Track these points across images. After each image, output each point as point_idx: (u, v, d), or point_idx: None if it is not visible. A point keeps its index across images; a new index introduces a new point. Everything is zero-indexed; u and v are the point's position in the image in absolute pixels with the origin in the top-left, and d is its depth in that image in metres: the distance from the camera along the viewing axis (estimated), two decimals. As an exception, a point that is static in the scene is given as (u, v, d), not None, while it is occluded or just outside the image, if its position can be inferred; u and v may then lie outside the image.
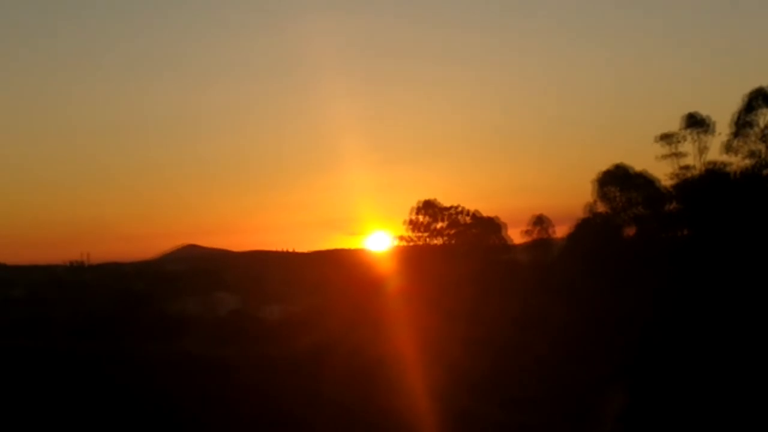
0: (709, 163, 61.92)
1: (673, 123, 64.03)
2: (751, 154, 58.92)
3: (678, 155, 62.88)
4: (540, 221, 69.74)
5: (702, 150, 62.31)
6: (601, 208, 64.06)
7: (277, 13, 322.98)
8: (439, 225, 69.81)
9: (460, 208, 70.04)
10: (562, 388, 36.92)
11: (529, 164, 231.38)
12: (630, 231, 64.16)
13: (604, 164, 65.10)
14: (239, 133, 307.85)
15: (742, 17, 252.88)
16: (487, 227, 69.85)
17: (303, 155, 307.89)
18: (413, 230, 69.63)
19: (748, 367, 36.32)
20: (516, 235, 71.08)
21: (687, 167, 62.65)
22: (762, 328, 41.47)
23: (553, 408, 34.21)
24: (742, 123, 59.02)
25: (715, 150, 61.61)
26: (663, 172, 63.18)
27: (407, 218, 69.67)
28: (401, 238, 69.97)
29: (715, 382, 34.76)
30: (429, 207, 70.07)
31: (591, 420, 33.07)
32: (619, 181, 63.22)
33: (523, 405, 34.74)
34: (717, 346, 39.73)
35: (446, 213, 69.89)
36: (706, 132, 62.32)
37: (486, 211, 70.74)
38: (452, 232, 69.95)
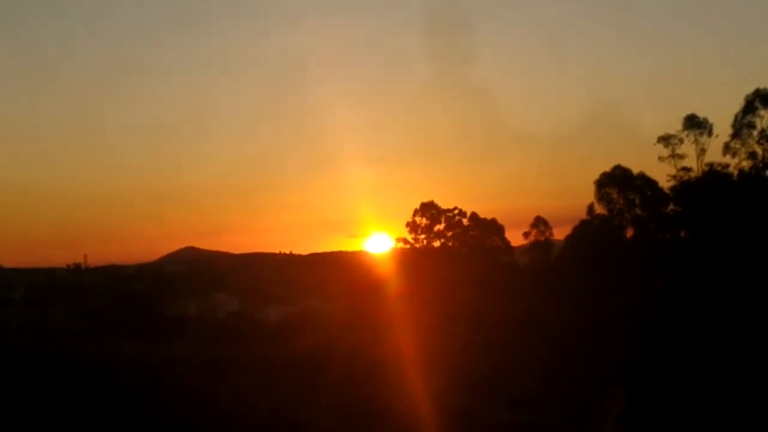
0: (708, 164, 61.94)
1: (673, 125, 64.03)
2: (750, 155, 58.95)
3: (677, 157, 62.84)
4: (539, 223, 69.68)
5: (701, 152, 62.31)
6: (600, 209, 64.06)
7: (276, 14, 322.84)
8: (437, 227, 69.79)
9: (458, 210, 70.05)
10: (562, 388, 36.90)
11: (527, 166, 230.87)
12: (629, 232, 64.16)
13: (604, 166, 65.01)
14: (238, 134, 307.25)
15: (742, 18, 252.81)
16: (487, 229, 69.84)
17: (302, 157, 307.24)
18: (412, 232, 69.64)
19: (747, 366, 36.34)
20: (515, 237, 71.03)
21: (686, 169, 62.62)
22: (761, 329, 41.50)
23: (554, 408, 34.22)
24: (741, 125, 59.06)
25: (714, 151, 61.62)
26: (662, 174, 63.16)
27: (407, 220, 69.71)
28: (400, 240, 69.97)
29: (714, 382, 34.78)
30: (428, 209, 70.07)
31: (591, 420, 33.07)
32: (618, 182, 63.20)
33: (523, 405, 34.75)
34: (716, 346, 39.74)
35: (445, 215, 69.89)
36: (705, 134, 62.32)
37: (485, 213, 70.72)
38: (451, 234, 69.94)
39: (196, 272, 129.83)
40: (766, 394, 33.13)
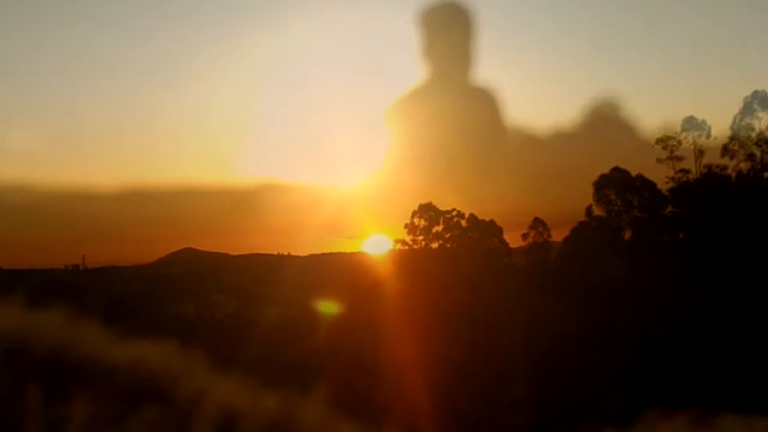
0: (707, 166, 62.03)
1: (671, 126, 64.10)
2: (749, 157, 59.11)
3: (676, 158, 62.95)
4: (537, 224, 69.66)
5: (699, 153, 62.42)
6: (598, 211, 64.12)
7: (275, 12, 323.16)
8: (436, 229, 69.77)
9: (456, 212, 70.02)
10: (560, 389, 36.94)
11: (526, 167, 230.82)
12: (627, 234, 64.21)
13: (602, 168, 65.08)
14: (238, 134, 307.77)
15: (741, 20, 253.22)
16: (485, 230, 69.83)
17: (301, 157, 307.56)
18: (411, 234, 69.63)
19: (746, 368, 36.41)
20: (513, 239, 71.02)
21: (684, 170, 62.72)
22: (760, 329, 41.56)
23: (551, 410, 34.24)
24: (740, 126, 59.23)
25: (712, 153, 61.76)
26: (661, 176, 63.26)
27: (405, 222, 69.72)
28: (399, 241, 69.97)
29: (713, 381, 34.83)
30: (426, 210, 70.05)
31: (590, 420, 33.11)
32: (616, 184, 63.25)
33: (520, 406, 34.78)
34: (715, 346, 39.81)
35: (444, 216, 69.86)
36: (703, 135, 62.44)
37: (483, 214, 70.63)
38: (450, 235, 69.93)
39: (195, 273, 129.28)
40: (765, 395, 33.19)
